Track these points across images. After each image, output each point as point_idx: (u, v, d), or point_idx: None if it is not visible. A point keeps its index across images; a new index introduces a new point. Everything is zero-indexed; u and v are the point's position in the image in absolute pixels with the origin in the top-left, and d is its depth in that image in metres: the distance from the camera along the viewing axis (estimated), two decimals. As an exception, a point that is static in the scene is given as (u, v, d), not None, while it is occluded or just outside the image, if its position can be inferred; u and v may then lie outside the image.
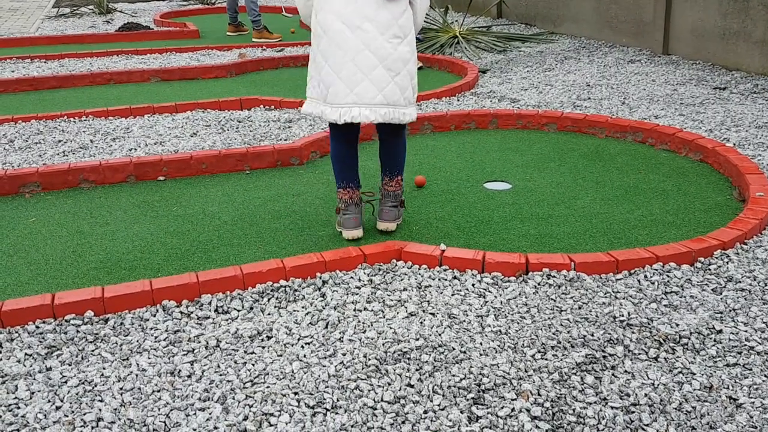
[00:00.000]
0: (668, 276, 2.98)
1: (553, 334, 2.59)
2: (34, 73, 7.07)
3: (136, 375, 2.42)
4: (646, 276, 2.98)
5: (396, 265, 3.13)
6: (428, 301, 2.84)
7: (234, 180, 4.21)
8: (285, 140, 4.81)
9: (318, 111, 3.21)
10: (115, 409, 2.25)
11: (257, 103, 5.72)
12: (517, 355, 2.48)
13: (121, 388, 2.35)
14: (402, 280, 3.01)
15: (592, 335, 2.57)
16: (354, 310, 2.79)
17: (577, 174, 4.18)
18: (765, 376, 2.36)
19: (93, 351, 2.57)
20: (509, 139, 4.83)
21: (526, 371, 2.39)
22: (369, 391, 2.30)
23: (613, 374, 2.37)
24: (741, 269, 3.03)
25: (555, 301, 2.82)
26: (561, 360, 2.44)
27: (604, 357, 2.46)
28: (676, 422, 2.15)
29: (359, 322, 2.70)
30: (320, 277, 3.01)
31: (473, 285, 2.95)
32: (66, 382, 2.40)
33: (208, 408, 2.25)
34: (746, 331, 2.60)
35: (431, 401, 2.25)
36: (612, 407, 2.21)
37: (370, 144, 4.61)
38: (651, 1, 7.19)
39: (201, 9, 11.72)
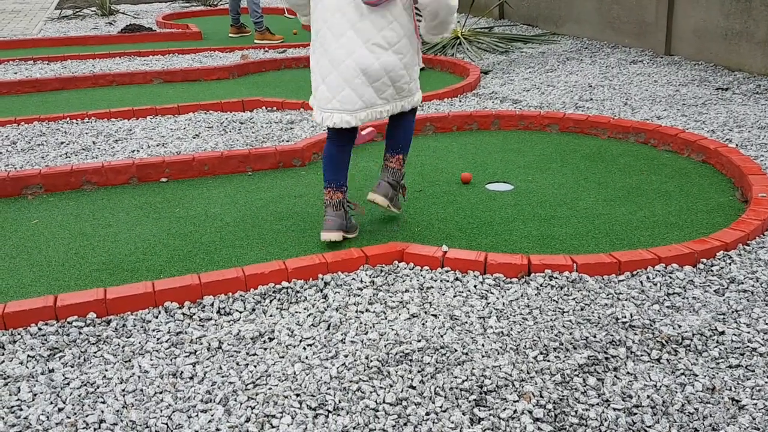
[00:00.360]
0: (671, 277, 2.98)
1: (556, 335, 2.59)
2: (37, 74, 7.09)
3: (139, 377, 2.42)
4: (648, 277, 2.98)
5: (398, 266, 3.13)
6: (430, 303, 2.84)
7: (236, 181, 4.22)
8: (287, 142, 4.82)
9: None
10: (118, 411, 2.25)
11: (259, 105, 5.73)
12: (519, 357, 2.47)
13: (123, 390, 2.35)
14: (404, 281, 3.01)
15: (595, 337, 2.57)
16: (356, 311, 2.79)
17: (579, 175, 4.18)
18: (767, 377, 2.36)
19: (95, 353, 2.57)
20: (511, 140, 4.83)
21: (528, 373, 2.39)
22: (371, 392, 2.30)
23: (615, 376, 2.37)
24: (743, 270, 3.03)
25: (557, 302, 2.82)
26: (563, 361, 2.44)
27: (606, 358, 2.46)
28: (678, 424, 2.15)
29: (361, 323, 2.70)
30: (322, 279, 3.02)
31: (475, 286, 2.95)
32: (68, 383, 2.40)
33: (210, 410, 2.25)
34: (749, 333, 2.59)
35: (433, 403, 2.25)
36: (614, 409, 2.21)
37: (372, 145, 4.61)
38: (653, 2, 7.18)
39: (203, 11, 11.73)
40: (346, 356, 2.50)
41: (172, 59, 7.80)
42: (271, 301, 2.89)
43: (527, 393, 2.28)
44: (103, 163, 4.23)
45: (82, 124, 5.31)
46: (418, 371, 2.40)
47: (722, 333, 2.59)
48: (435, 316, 2.74)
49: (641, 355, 2.47)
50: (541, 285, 2.94)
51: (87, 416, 2.23)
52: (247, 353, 2.55)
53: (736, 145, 4.46)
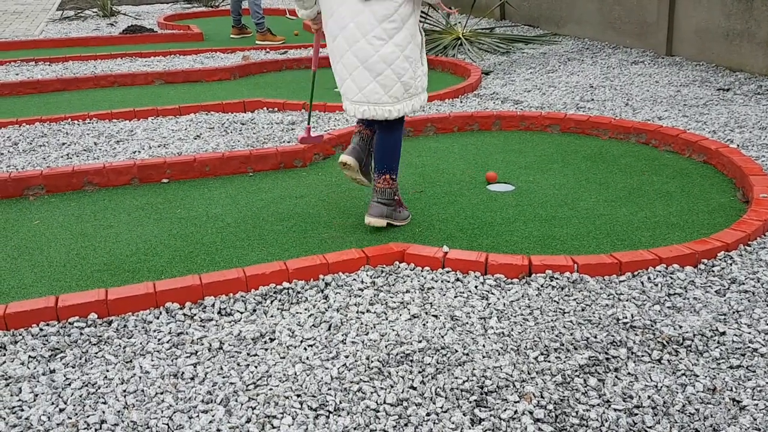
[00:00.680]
0: (671, 278, 2.98)
1: (556, 336, 2.59)
2: (38, 75, 7.09)
3: (140, 377, 2.43)
4: (649, 278, 2.98)
5: (399, 267, 3.13)
6: (431, 303, 2.84)
7: (237, 182, 4.22)
8: (288, 142, 4.82)
9: None
10: (119, 412, 2.26)
11: (260, 106, 5.73)
12: (520, 357, 2.47)
13: (124, 391, 2.36)
14: (405, 282, 3.01)
15: (595, 337, 2.57)
16: (357, 312, 2.79)
17: (580, 175, 4.18)
18: (768, 378, 2.36)
19: (96, 353, 2.58)
20: (512, 141, 4.83)
21: (528, 373, 2.39)
22: (372, 393, 2.30)
23: (616, 376, 2.37)
24: (744, 271, 3.02)
25: (558, 303, 2.82)
26: (564, 362, 2.44)
27: (607, 359, 2.46)
28: (679, 424, 2.15)
29: (362, 324, 2.70)
30: (323, 279, 3.02)
31: (476, 287, 2.95)
32: (69, 384, 2.41)
33: (211, 410, 2.25)
34: (750, 333, 2.59)
35: (434, 403, 2.25)
36: (615, 409, 2.21)
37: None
38: (654, 2, 7.18)
39: (205, 12, 11.74)
40: (346, 357, 2.50)
41: (173, 60, 7.80)
42: (272, 302, 2.89)
43: (528, 393, 2.28)
44: (104, 164, 4.24)
45: (84, 125, 5.31)
46: (419, 372, 2.40)
47: (723, 333, 2.59)
48: (436, 316, 2.74)
49: (642, 356, 2.47)
50: (541, 285, 2.94)
51: (88, 417, 2.23)
52: (248, 354, 2.55)
53: (738, 145, 4.46)
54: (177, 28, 9.87)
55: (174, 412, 2.24)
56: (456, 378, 2.36)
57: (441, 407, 2.23)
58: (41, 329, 2.71)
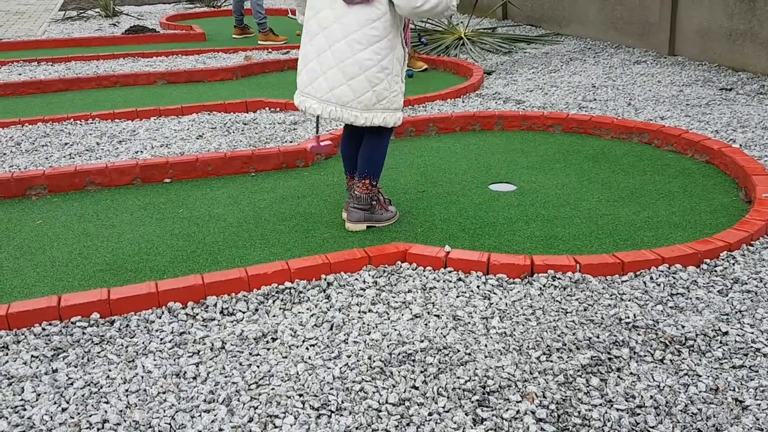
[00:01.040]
0: (674, 278, 2.98)
1: (559, 336, 2.59)
2: (41, 75, 7.10)
3: (142, 377, 2.43)
4: (651, 278, 2.97)
5: (401, 266, 3.13)
6: (433, 303, 2.84)
7: (239, 182, 4.22)
8: (290, 142, 4.82)
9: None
10: (121, 411, 2.26)
11: (263, 106, 5.73)
12: (522, 357, 2.47)
13: (126, 390, 2.36)
14: (407, 281, 3.01)
15: (598, 337, 2.57)
16: (359, 311, 2.79)
17: (582, 175, 4.18)
18: (771, 378, 2.36)
19: (99, 353, 2.58)
20: (514, 141, 4.83)
21: (531, 373, 2.38)
22: (374, 393, 2.30)
23: (618, 376, 2.37)
24: (747, 271, 3.02)
25: (560, 302, 2.81)
26: (566, 362, 2.44)
27: (609, 359, 2.46)
28: (681, 424, 2.14)
29: (364, 323, 2.70)
30: (325, 279, 3.02)
31: (478, 287, 2.95)
32: (72, 383, 2.41)
33: (213, 410, 2.25)
34: (752, 333, 2.59)
35: (436, 403, 2.25)
36: (617, 409, 2.21)
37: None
38: (657, 2, 7.17)
39: (207, 12, 11.74)
40: (348, 356, 2.50)
41: (175, 60, 7.81)
42: (274, 302, 2.89)
43: (530, 393, 2.28)
44: (106, 163, 4.24)
45: (86, 125, 5.32)
46: (421, 371, 2.40)
47: (726, 333, 2.58)
48: (438, 316, 2.74)
49: (644, 356, 2.47)
50: (544, 285, 2.94)
51: (90, 416, 2.23)
52: (250, 353, 2.55)
53: (740, 145, 4.46)
54: (179, 29, 9.88)
55: (176, 412, 2.25)
56: (458, 378, 2.36)
57: (443, 407, 2.23)
58: (44, 329, 2.72)
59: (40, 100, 6.24)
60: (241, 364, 2.49)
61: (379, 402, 2.26)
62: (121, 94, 6.35)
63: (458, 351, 2.50)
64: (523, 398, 2.26)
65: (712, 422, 2.15)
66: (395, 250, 3.17)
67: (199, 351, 2.57)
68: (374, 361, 2.45)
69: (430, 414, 2.21)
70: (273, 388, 2.35)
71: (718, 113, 5.17)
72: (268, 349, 2.57)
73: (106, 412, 2.25)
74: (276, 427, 2.18)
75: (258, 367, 2.47)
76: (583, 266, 3.00)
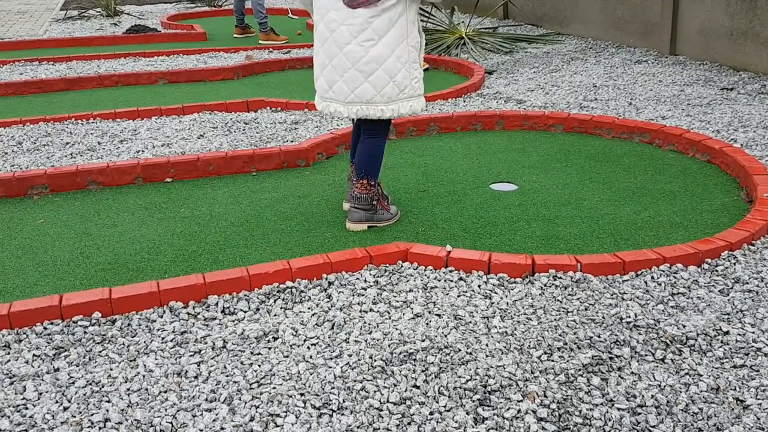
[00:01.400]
0: (675, 277, 2.98)
1: (560, 335, 2.59)
2: (42, 75, 7.11)
3: (143, 376, 2.43)
4: (653, 277, 2.97)
5: (402, 266, 3.13)
6: (434, 303, 2.84)
7: (241, 181, 4.23)
8: (291, 142, 4.82)
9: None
10: (122, 410, 2.26)
11: (264, 105, 5.74)
12: (524, 357, 2.47)
13: (128, 389, 2.36)
14: (408, 281, 3.01)
15: (599, 336, 2.57)
16: (360, 311, 2.80)
17: (583, 175, 4.18)
18: (772, 377, 2.36)
19: (100, 352, 2.58)
20: (515, 140, 4.83)
21: (532, 372, 2.39)
22: (375, 392, 2.31)
23: (619, 376, 2.37)
24: (748, 270, 3.02)
25: (561, 302, 2.82)
26: (567, 361, 2.44)
27: (610, 358, 2.46)
28: (682, 424, 2.14)
29: (365, 323, 2.71)
30: (326, 279, 3.02)
31: (479, 286, 2.95)
32: (74, 382, 2.41)
33: (215, 409, 2.26)
34: (753, 333, 2.59)
35: (437, 402, 2.26)
36: (618, 409, 2.21)
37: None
38: (658, 2, 7.17)
39: (208, 11, 11.75)
40: (350, 356, 2.50)
41: (176, 60, 7.82)
42: (275, 301, 2.89)
43: (531, 393, 2.28)
44: (108, 163, 4.25)
45: (88, 125, 5.32)
46: (422, 371, 2.41)
47: (727, 333, 2.58)
48: (439, 315, 2.74)
49: (645, 355, 2.47)
50: (545, 285, 2.94)
51: (92, 415, 2.23)
52: (252, 353, 2.55)
53: (741, 145, 4.46)
54: (180, 28, 9.88)
55: (177, 411, 2.25)
56: (459, 377, 2.36)
57: (444, 406, 2.24)
58: (45, 328, 2.72)
59: (41, 99, 6.24)
60: (242, 363, 2.49)
61: (380, 401, 2.26)
62: (122, 94, 6.35)
63: (459, 350, 2.50)
64: (524, 397, 2.26)
65: (713, 422, 2.15)
66: (396, 249, 3.17)
67: (200, 350, 2.58)
68: (375, 361, 2.46)
69: (431, 413, 2.21)
70: (274, 387, 2.35)
71: (719, 113, 5.17)
72: (270, 349, 2.57)
73: (107, 411, 2.25)
74: (277, 426, 2.18)
75: (259, 366, 2.47)
76: (584, 266, 3.00)
